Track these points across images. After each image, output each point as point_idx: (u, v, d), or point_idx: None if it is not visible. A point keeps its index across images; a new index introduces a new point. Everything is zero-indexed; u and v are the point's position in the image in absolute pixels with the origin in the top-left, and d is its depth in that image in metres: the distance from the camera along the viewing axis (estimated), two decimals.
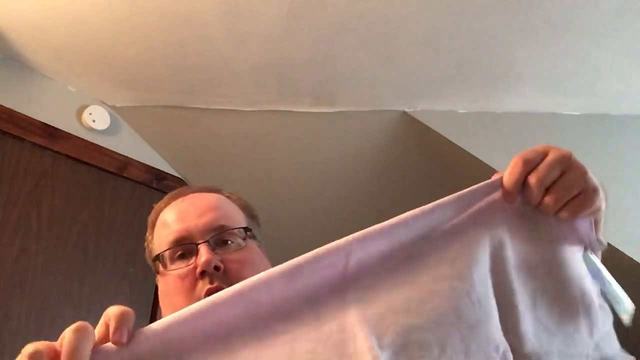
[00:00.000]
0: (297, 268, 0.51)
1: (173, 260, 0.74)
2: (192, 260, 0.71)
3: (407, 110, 1.86)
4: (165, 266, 0.74)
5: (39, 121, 1.74)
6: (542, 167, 0.52)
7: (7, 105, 1.67)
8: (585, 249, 0.54)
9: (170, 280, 0.72)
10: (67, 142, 1.80)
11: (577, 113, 1.77)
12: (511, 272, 0.53)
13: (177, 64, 1.72)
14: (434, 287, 0.51)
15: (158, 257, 0.75)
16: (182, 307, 0.66)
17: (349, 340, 0.48)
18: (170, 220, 0.75)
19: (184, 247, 0.73)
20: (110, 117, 1.92)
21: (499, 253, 0.53)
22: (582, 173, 0.52)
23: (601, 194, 0.53)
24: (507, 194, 0.54)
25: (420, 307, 0.50)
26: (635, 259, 1.56)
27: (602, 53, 1.56)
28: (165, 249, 0.74)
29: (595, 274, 0.54)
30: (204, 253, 0.69)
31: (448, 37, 1.57)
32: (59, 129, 1.79)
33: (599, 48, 1.55)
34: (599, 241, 0.54)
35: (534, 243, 0.54)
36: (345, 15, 1.50)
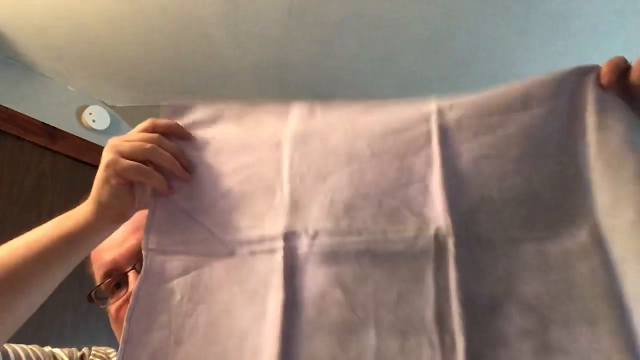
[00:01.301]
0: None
1: (111, 291, 0.72)
2: (125, 289, 0.69)
3: None
4: (104, 299, 0.73)
5: (39, 121, 1.73)
6: None
7: (7, 105, 1.67)
8: None
9: (111, 314, 0.72)
10: (67, 142, 1.80)
11: None
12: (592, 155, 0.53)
13: (177, 64, 1.72)
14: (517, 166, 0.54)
15: (91, 297, 0.73)
16: None
17: (426, 195, 0.54)
18: (98, 252, 0.73)
19: (116, 278, 0.71)
20: (110, 117, 1.92)
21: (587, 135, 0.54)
22: None
23: None
24: (606, 74, 0.54)
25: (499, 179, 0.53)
26: None
27: (602, 53, 1.56)
28: (97, 285, 0.73)
29: None
30: (131, 282, 0.68)
31: (448, 38, 1.57)
32: (59, 129, 1.79)
33: (599, 48, 1.55)
34: None
35: (627, 120, 0.53)
36: (345, 15, 1.49)
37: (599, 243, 0.50)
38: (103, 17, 1.52)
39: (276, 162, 0.60)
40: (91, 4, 1.47)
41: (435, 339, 0.49)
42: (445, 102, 0.58)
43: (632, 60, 0.56)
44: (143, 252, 0.59)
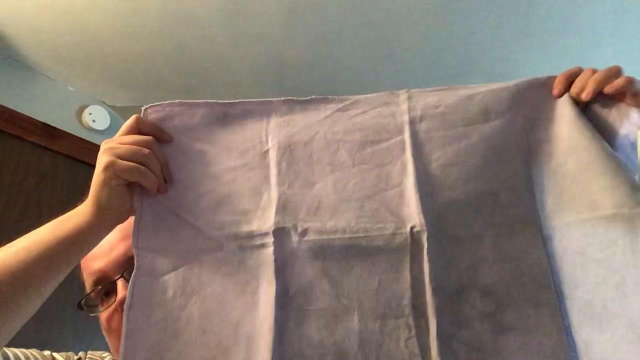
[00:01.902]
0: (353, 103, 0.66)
1: (100, 299, 0.73)
2: (114, 297, 0.70)
3: None
4: (94, 307, 0.74)
5: (39, 121, 1.73)
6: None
7: (7, 105, 1.67)
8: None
9: (102, 322, 0.73)
10: (67, 142, 1.80)
11: None
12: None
13: (177, 64, 1.72)
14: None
15: (81, 306, 0.75)
16: (119, 347, 0.69)
17: (402, 198, 0.61)
18: (87, 261, 0.74)
19: (105, 286, 0.72)
20: (110, 117, 1.92)
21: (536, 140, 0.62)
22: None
23: None
24: (557, 85, 0.62)
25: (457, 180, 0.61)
26: None
27: (602, 53, 1.56)
28: (87, 293, 0.74)
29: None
30: (119, 290, 0.69)
31: (448, 37, 1.57)
32: (59, 129, 1.78)
33: (599, 48, 1.55)
34: None
35: (575, 130, 0.60)
36: (345, 15, 1.49)
37: (542, 239, 0.59)
38: (103, 17, 1.52)
39: (264, 168, 0.64)
40: (91, 4, 1.47)
41: (411, 321, 0.56)
42: (416, 110, 0.65)
43: (631, 61, 0.57)
44: (134, 251, 0.62)
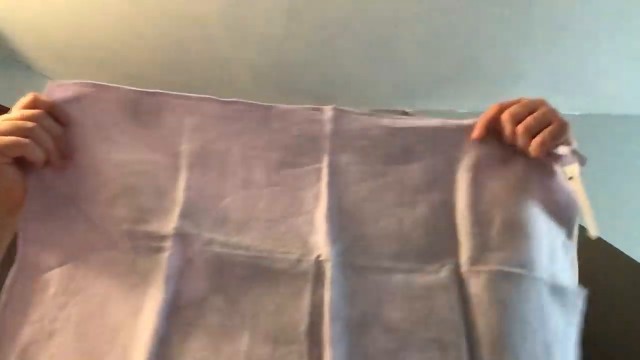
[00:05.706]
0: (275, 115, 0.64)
1: None
2: None
3: (407, 110, 1.86)
4: None
5: None
6: (515, 106, 0.60)
7: (7, 105, 1.67)
8: (562, 165, 0.60)
9: None
10: None
11: (577, 113, 1.77)
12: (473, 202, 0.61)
13: (177, 64, 1.72)
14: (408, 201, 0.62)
15: None
16: None
17: (311, 226, 0.60)
18: None
19: None
20: None
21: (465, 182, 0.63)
22: (552, 110, 0.58)
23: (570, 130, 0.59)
24: (477, 129, 0.62)
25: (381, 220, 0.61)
26: (634, 258, 1.56)
27: (602, 53, 1.56)
28: None
29: (568, 195, 0.60)
30: None
31: (448, 37, 1.57)
32: None
33: (599, 48, 1.55)
34: (574, 151, 0.58)
35: (502, 177, 0.61)
36: (345, 15, 1.50)
37: (458, 282, 0.58)
38: (103, 17, 1.52)
39: (173, 169, 0.60)
40: (91, 4, 1.47)
41: (304, 349, 0.53)
42: (339, 137, 0.64)
43: (631, 61, 0.57)
44: (18, 242, 0.56)
